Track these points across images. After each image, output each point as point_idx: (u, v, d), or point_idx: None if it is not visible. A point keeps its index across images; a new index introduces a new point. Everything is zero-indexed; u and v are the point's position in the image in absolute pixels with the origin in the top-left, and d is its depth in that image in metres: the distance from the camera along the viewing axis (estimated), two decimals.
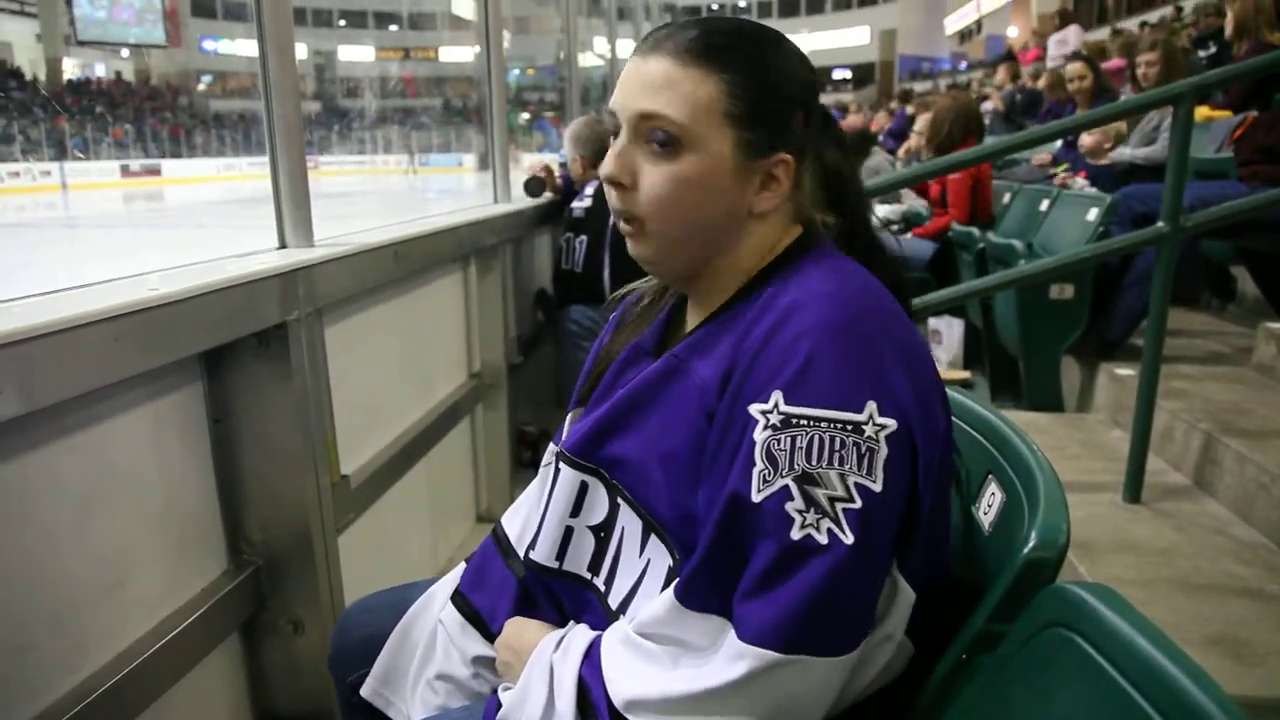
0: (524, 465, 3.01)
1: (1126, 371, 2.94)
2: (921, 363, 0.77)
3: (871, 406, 0.71)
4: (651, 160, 0.81)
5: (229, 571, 1.49)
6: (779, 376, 0.73)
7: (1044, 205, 3.79)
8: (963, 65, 26.73)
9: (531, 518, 0.95)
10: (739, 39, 0.82)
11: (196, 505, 1.43)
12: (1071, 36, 11.20)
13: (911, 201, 4.94)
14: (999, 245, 3.46)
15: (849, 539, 0.69)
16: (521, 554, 0.94)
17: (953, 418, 1.00)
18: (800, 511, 0.70)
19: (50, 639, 1.11)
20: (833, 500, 0.70)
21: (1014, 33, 24.94)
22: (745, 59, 0.81)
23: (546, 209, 3.25)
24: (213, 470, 1.46)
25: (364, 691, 1.00)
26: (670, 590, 0.76)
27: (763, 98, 0.81)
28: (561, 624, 0.90)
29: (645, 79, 0.80)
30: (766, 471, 0.71)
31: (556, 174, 3.38)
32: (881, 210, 5.04)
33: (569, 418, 0.98)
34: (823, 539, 0.69)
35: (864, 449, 0.71)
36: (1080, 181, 4.16)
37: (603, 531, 0.88)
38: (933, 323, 4.20)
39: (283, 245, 1.65)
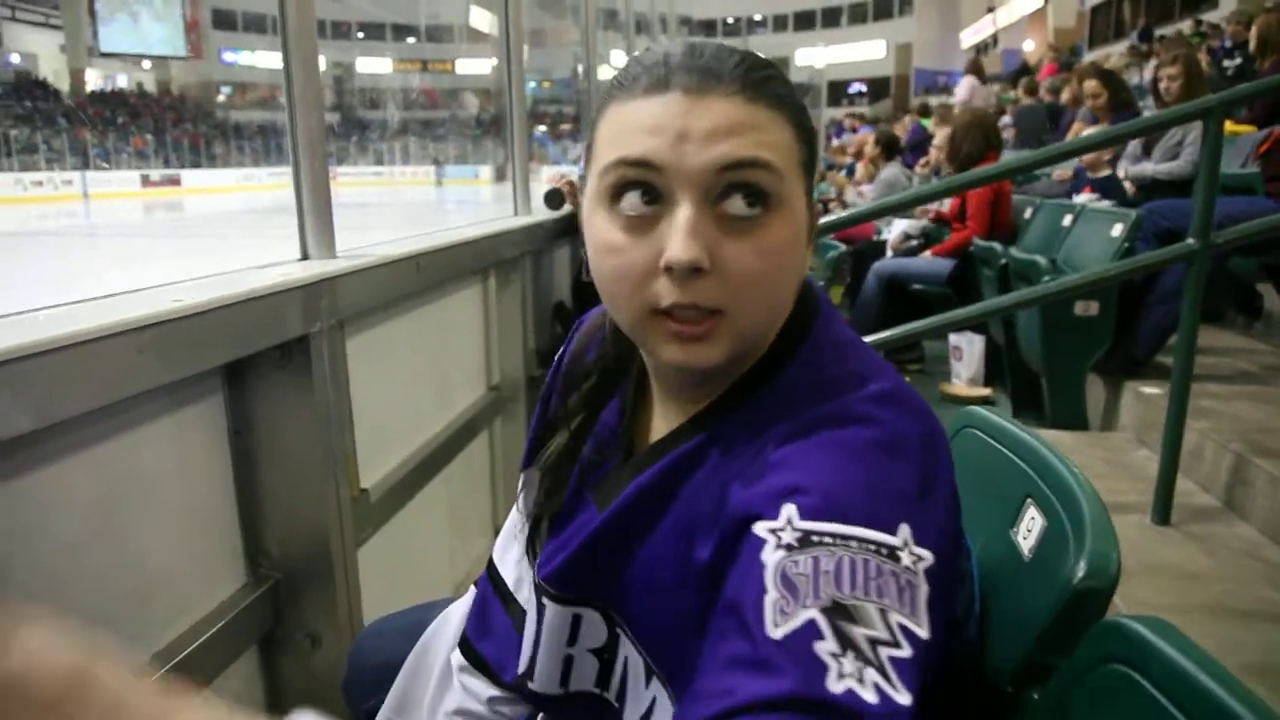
0: None
1: (1153, 390, 2.90)
2: (951, 482, 0.63)
3: (906, 531, 0.55)
4: (734, 232, 0.62)
5: (247, 585, 1.47)
6: (787, 487, 0.58)
7: (1067, 220, 3.76)
8: None
9: (525, 569, 0.87)
10: (775, 70, 0.66)
11: (215, 518, 1.41)
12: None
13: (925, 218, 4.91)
14: (1022, 261, 3.43)
15: (904, 699, 0.48)
16: (522, 598, 0.88)
17: (986, 438, 0.98)
18: (834, 655, 0.49)
19: None
20: (875, 643, 0.50)
21: (1030, 46, 24.90)
22: (792, 93, 0.67)
23: (565, 221, 3.24)
24: (232, 483, 1.44)
25: None
26: None
27: (809, 135, 0.67)
28: None
29: (715, 120, 0.61)
30: (783, 601, 0.52)
31: (578, 187, 3.38)
32: (900, 225, 5.01)
33: (523, 480, 0.86)
34: (869, 696, 0.47)
35: (903, 580, 0.53)
36: (1086, 196, 4.13)
37: (606, 654, 0.76)
38: (953, 339, 4.17)
39: (305, 256, 1.64)
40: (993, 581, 0.88)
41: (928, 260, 4.56)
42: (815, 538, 0.54)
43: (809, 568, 0.53)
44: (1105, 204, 3.83)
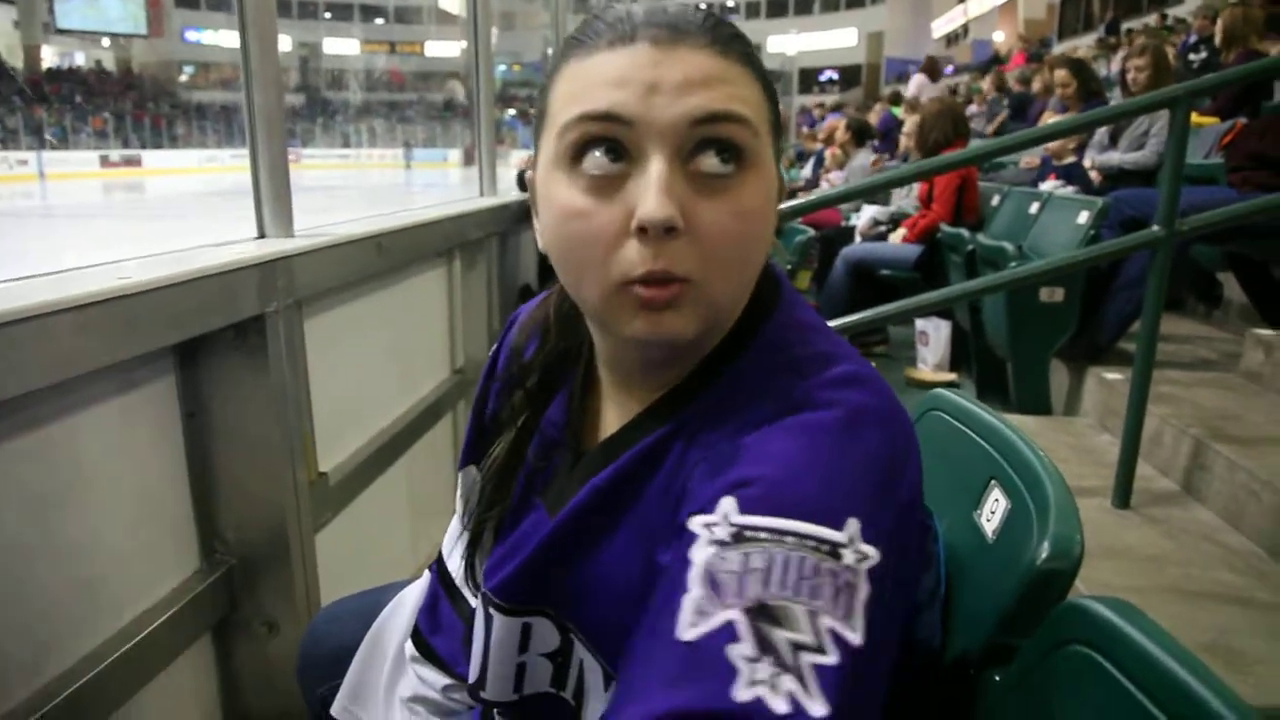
0: None
1: (1115, 375, 2.93)
2: (916, 468, 0.60)
3: (853, 526, 0.51)
4: (707, 190, 0.58)
5: (201, 571, 1.44)
6: (730, 478, 0.54)
7: (1034, 208, 3.79)
8: (949, 69, 26.85)
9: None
10: (739, 29, 0.63)
11: (168, 503, 1.38)
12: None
13: (900, 202, 4.93)
14: (989, 247, 3.45)
15: (819, 710, 0.44)
16: (469, 594, 0.85)
17: (952, 420, 0.97)
18: (749, 660, 0.46)
19: (11, 642, 1.06)
20: (797, 648, 0.47)
21: (1000, 37, 25.09)
22: (756, 54, 0.63)
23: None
24: (185, 467, 1.41)
25: (334, 710, 0.95)
26: None
27: (774, 97, 0.64)
28: None
29: (686, 71, 0.57)
30: (704, 600, 0.49)
31: None
32: (869, 211, 5.02)
33: (461, 479, 0.82)
34: (779, 705, 0.44)
35: (841, 581, 0.49)
36: (1051, 183, 4.17)
37: (559, 657, 0.71)
38: (919, 324, 4.19)
39: (261, 235, 1.60)
40: (956, 564, 0.87)
41: (895, 246, 4.57)
42: (749, 533, 0.51)
43: (737, 565, 0.50)
44: (1070, 191, 3.86)
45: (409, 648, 0.90)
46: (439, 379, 2.55)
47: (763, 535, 0.51)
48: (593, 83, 0.59)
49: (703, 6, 0.66)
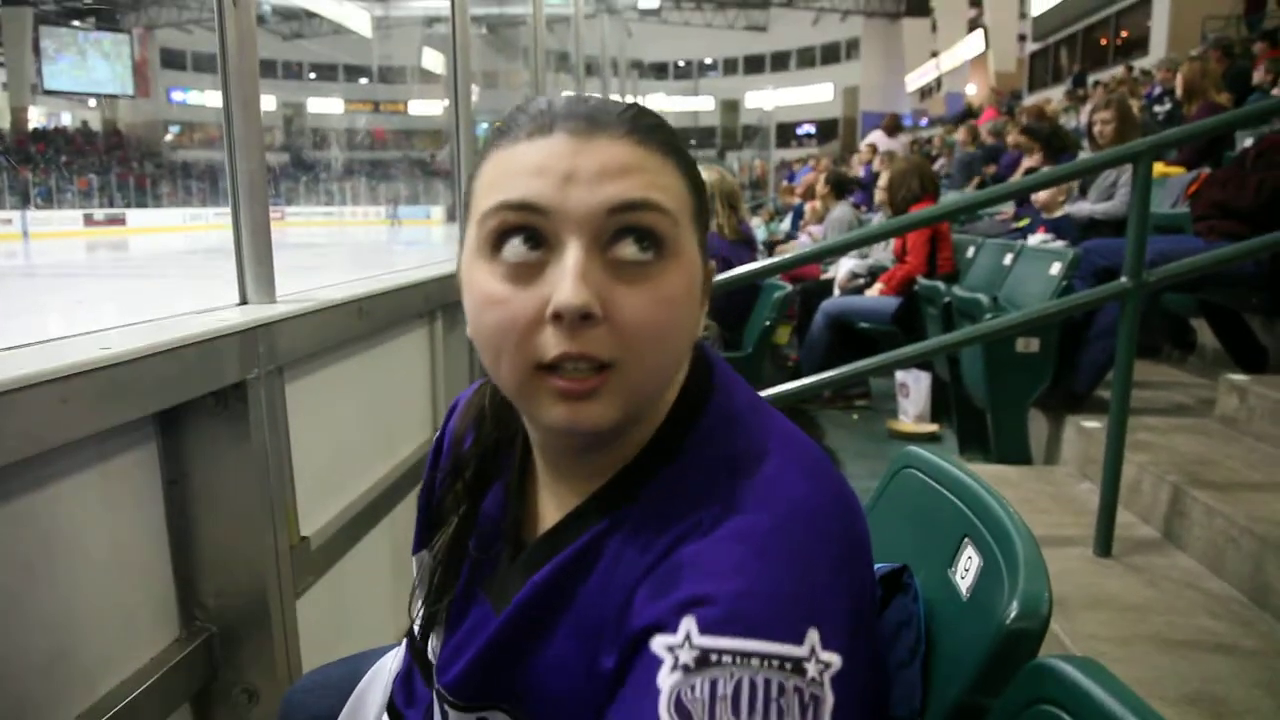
0: None
1: (1093, 424, 2.96)
2: (858, 561, 0.61)
3: (813, 637, 0.53)
4: (625, 278, 0.58)
5: (180, 639, 1.42)
6: (687, 593, 0.54)
7: (1008, 259, 3.85)
8: (924, 121, 27.36)
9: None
10: (662, 120, 0.64)
11: (148, 570, 1.37)
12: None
13: (878, 254, 4.99)
14: (965, 299, 3.50)
15: None
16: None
17: (925, 478, 0.99)
18: None
19: None
20: None
21: (973, 90, 25.63)
22: (680, 144, 0.64)
23: None
24: (166, 534, 1.40)
25: None
26: None
27: (698, 186, 0.65)
28: None
29: (603, 161, 0.58)
30: None
31: None
32: (847, 264, 5.09)
33: (415, 563, 0.82)
34: None
35: (807, 696, 0.51)
36: (1040, 236, 4.24)
37: None
38: (899, 376, 4.22)
39: (244, 301, 1.62)
40: (933, 621, 0.88)
41: (874, 299, 4.63)
42: (714, 656, 0.51)
43: (705, 692, 0.50)
44: (1060, 245, 3.93)
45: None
46: (420, 441, 2.55)
47: (726, 659, 0.51)
48: (512, 172, 0.60)
49: (626, 99, 0.67)
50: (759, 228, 10.72)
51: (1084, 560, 2.30)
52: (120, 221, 29.51)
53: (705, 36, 41.59)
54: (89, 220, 28.25)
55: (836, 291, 5.04)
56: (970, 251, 4.46)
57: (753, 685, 0.50)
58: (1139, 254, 2.22)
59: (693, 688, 0.51)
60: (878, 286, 4.67)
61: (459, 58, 2.93)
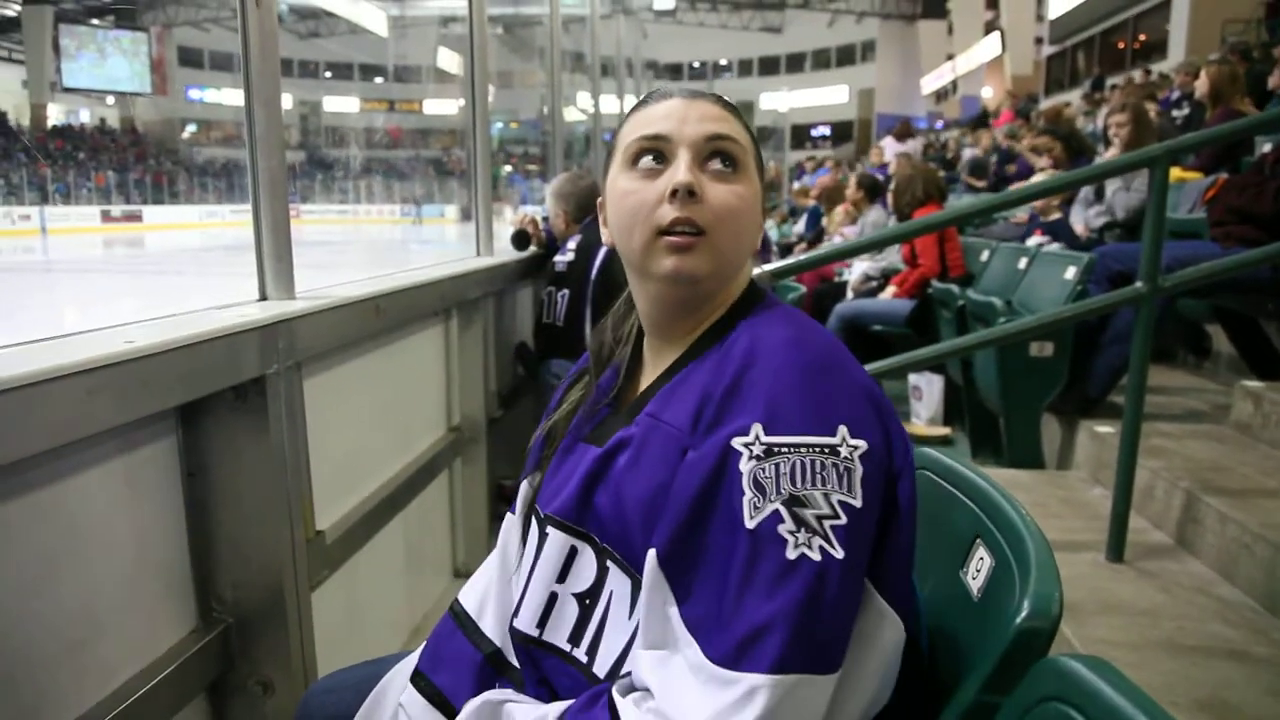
0: (502, 519, 2.96)
1: (1106, 429, 2.95)
2: (877, 394, 0.82)
3: (843, 430, 0.76)
4: (714, 178, 0.87)
5: (198, 630, 1.44)
6: (754, 410, 0.77)
7: (1022, 263, 3.84)
8: (939, 124, 27.26)
9: (494, 595, 0.98)
10: (736, 106, 0.94)
11: (167, 562, 1.39)
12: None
13: (892, 257, 4.99)
14: (979, 303, 3.49)
15: (840, 553, 0.72)
16: (491, 633, 0.95)
17: (938, 479, 1.00)
18: (792, 533, 0.72)
19: (4, 700, 1.06)
20: (820, 519, 0.73)
21: (989, 93, 25.53)
22: (747, 119, 0.93)
23: (529, 262, 3.25)
24: (185, 525, 1.42)
25: None
26: (694, 654, 0.73)
27: (760, 155, 0.94)
28: (539, 698, 0.87)
29: (703, 112, 0.88)
30: (756, 499, 0.74)
31: (541, 227, 3.39)
32: (860, 267, 5.08)
33: (524, 486, 1.00)
34: (815, 555, 0.72)
35: (842, 469, 0.74)
36: (1036, 239, 4.23)
37: (588, 599, 0.87)
38: (913, 379, 4.22)
39: (263, 297, 1.63)
40: (944, 621, 0.89)
41: (887, 302, 4.62)
42: (776, 449, 0.75)
43: (772, 472, 0.74)
44: (1056, 247, 3.92)
45: (408, 695, 0.94)
46: (435, 437, 2.56)
47: (785, 450, 0.75)
48: (648, 118, 0.90)
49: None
50: (771, 229, 10.70)
51: (1096, 565, 2.30)
52: (137, 218, 29.73)
53: (720, 38, 41.51)
54: (106, 217, 28.46)
55: (850, 294, 5.04)
56: (984, 255, 4.45)
57: (803, 465, 0.74)
58: (1154, 259, 2.22)
59: (764, 469, 0.74)
60: (890, 289, 4.67)
61: (476, 58, 2.95)
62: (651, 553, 0.78)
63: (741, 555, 0.73)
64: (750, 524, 0.73)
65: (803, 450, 0.74)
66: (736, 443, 0.76)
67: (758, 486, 0.74)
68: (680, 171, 0.85)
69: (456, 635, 0.98)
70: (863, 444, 0.75)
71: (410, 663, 0.99)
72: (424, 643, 1.01)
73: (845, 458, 0.75)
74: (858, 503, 0.74)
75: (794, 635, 0.69)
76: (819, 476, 0.74)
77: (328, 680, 1.11)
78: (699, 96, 0.90)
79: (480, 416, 2.78)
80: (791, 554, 0.71)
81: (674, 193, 0.85)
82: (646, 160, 0.88)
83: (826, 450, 0.74)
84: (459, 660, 0.95)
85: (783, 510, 0.73)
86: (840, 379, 0.80)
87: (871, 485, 0.75)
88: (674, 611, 0.76)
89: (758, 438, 0.75)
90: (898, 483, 0.78)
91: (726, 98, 0.93)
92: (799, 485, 0.73)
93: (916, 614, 0.84)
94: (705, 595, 0.74)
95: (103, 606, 1.24)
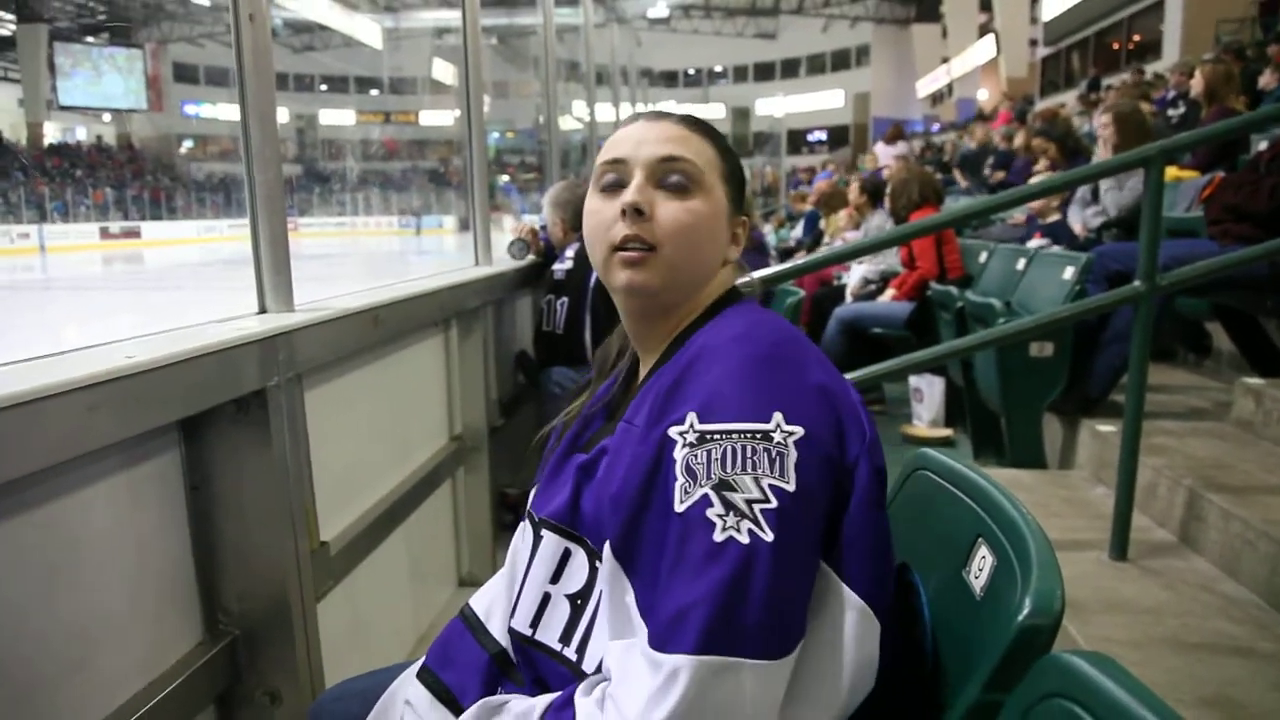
0: (505, 528, 2.96)
1: (1108, 428, 2.95)
2: (831, 387, 0.83)
3: (778, 416, 0.77)
4: (667, 196, 0.91)
5: (204, 643, 1.44)
6: (692, 401, 0.80)
7: (1020, 264, 3.85)
8: (935, 127, 27.31)
9: (500, 600, 1.00)
10: (708, 123, 0.99)
11: (171, 575, 1.39)
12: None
13: (890, 260, 5.00)
14: (978, 304, 3.50)
15: (769, 536, 0.73)
16: (497, 634, 0.97)
17: (939, 479, 1.00)
18: (720, 516, 0.74)
19: (11, 718, 1.07)
20: (750, 503, 0.74)
21: (984, 95, 25.58)
22: (717, 134, 0.98)
23: (527, 271, 3.26)
24: (189, 538, 1.42)
25: None
26: (640, 639, 0.76)
27: (735, 168, 0.98)
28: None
29: (660, 134, 0.93)
30: (687, 484, 0.76)
31: (540, 236, 3.40)
32: (859, 271, 5.09)
33: (536, 489, 1.01)
34: (743, 538, 0.73)
35: (774, 453, 0.76)
36: (1036, 242, 4.24)
37: (580, 599, 0.89)
38: (913, 381, 4.22)
39: (263, 310, 1.64)
40: (947, 621, 0.89)
41: (886, 305, 4.63)
42: (709, 435, 0.77)
43: (704, 458, 0.76)
44: (1056, 249, 3.93)
45: (415, 690, 0.96)
46: (437, 446, 2.57)
47: (717, 436, 0.77)
48: (614, 142, 0.96)
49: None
50: (769, 234, 10.72)
51: (1099, 564, 2.30)
52: (135, 234, 29.73)
53: (715, 44, 41.57)
54: (105, 234, 28.47)
55: (849, 298, 5.05)
56: (983, 256, 4.45)
57: (734, 450, 0.76)
58: (1152, 258, 2.23)
59: (695, 456, 0.77)
60: (889, 292, 4.67)
61: (470, 68, 2.95)
62: (607, 545, 0.81)
63: (672, 539, 0.75)
64: (680, 508, 0.75)
65: (734, 435, 0.76)
66: (673, 432, 0.79)
67: (689, 472, 0.76)
68: (629, 192, 0.90)
69: (466, 636, 1.00)
70: (798, 430, 0.77)
71: (416, 670, 0.99)
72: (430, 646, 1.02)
73: (779, 443, 0.76)
74: (790, 486, 0.75)
75: (716, 616, 0.71)
76: (749, 461, 0.75)
77: (336, 690, 1.13)
78: (662, 118, 0.96)
79: (482, 425, 2.78)
80: (719, 536, 0.73)
81: (624, 211, 0.90)
82: (607, 181, 0.94)
83: (758, 435, 0.76)
84: (468, 660, 0.97)
85: (711, 494, 0.75)
86: (783, 369, 0.82)
87: (809, 470, 0.76)
88: (630, 600, 0.78)
89: (692, 426, 0.78)
90: (854, 471, 0.80)
91: (695, 116, 0.98)
92: (728, 470, 0.75)
93: (893, 603, 0.84)
94: (649, 581, 0.76)
95: (108, 621, 1.24)
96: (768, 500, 0.74)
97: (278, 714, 1.50)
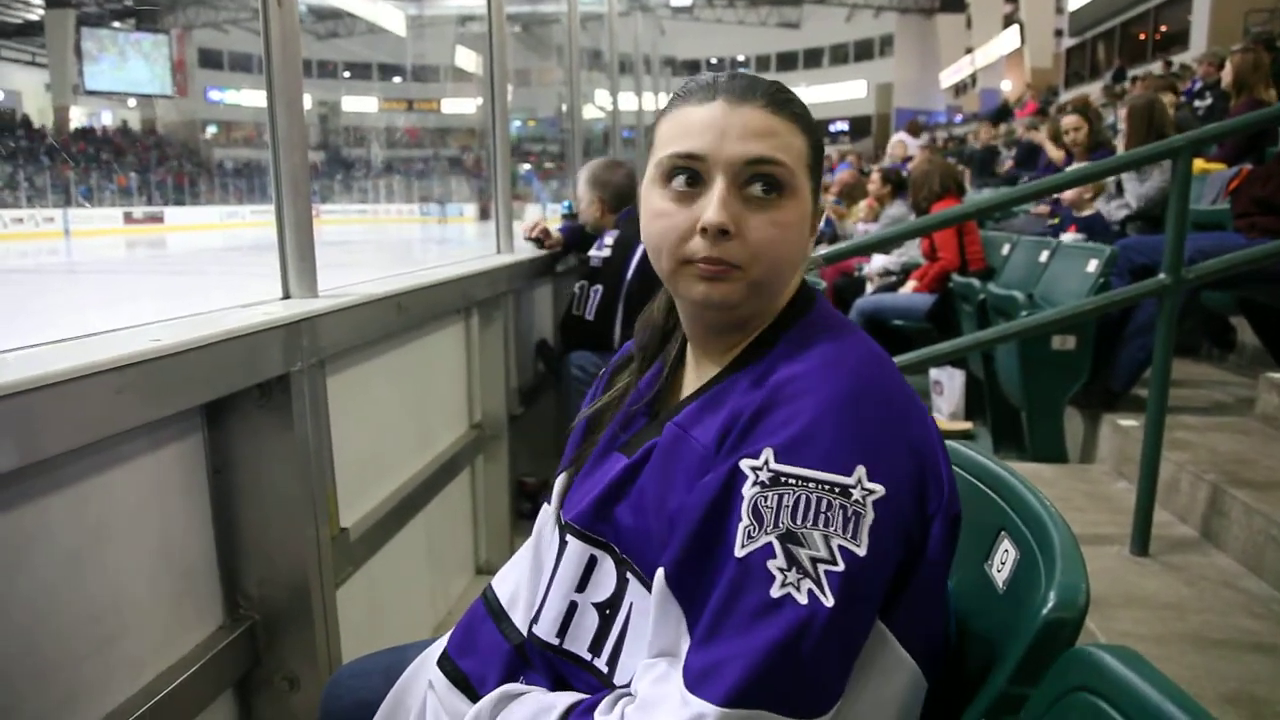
0: (524, 516, 2.98)
1: (1130, 422, 2.93)
2: (922, 432, 0.77)
3: (861, 471, 0.71)
4: (754, 207, 0.80)
5: (225, 626, 1.46)
6: (774, 436, 0.73)
7: (1043, 256, 3.81)
8: (958, 118, 27.07)
9: (525, 587, 0.96)
10: (795, 95, 0.86)
11: (194, 558, 1.41)
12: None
13: (911, 251, 4.96)
14: (1000, 296, 3.47)
15: (828, 601, 0.68)
16: (520, 624, 0.93)
17: (962, 472, 0.99)
18: (781, 570, 0.69)
19: (36, 697, 1.08)
20: (815, 561, 0.69)
21: (1008, 86, 25.33)
22: (807, 113, 0.85)
23: (548, 259, 3.26)
24: (211, 522, 1.44)
25: None
26: (678, 669, 0.72)
27: (819, 155, 0.86)
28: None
29: (746, 126, 0.80)
30: (751, 527, 0.71)
31: (553, 231, 3.36)
32: (880, 260, 5.06)
33: (560, 480, 0.97)
34: (802, 599, 0.68)
35: (850, 512, 0.70)
36: (1071, 235, 4.19)
37: (608, 609, 0.85)
38: (934, 373, 4.20)
39: (287, 295, 1.65)
40: (969, 614, 0.88)
41: (908, 296, 4.60)
42: (783, 479, 0.71)
43: (774, 503, 0.71)
44: (1074, 238, 3.89)
45: (436, 674, 0.94)
46: (457, 434, 2.58)
47: (791, 481, 0.71)
48: (684, 127, 0.82)
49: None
50: None
51: (1120, 559, 2.28)
52: (159, 219, 29.93)
53: (738, 34, 41.35)
54: (128, 218, 28.68)
55: (869, 288, 5.02)
56: (1005, 249, 4.42)
57: (808, 501, 0.70)
58: (1178, 250, 2.20)
59: (765, 498, 0.71)
60: (910, 284, 4.64)
61: (495, 56, 2.95)
62: (660, 572, 0.76)
63: (726, 583, 0.70)
64: (740, 553, 0.70)
65: (810, 485, 0.70)
66: (744, 465, 0.73)
67: (756, 514, 0.71)
68: (712, 209, 0.78)
69: (487, 623, 0.97)
70: (879, 489, 0.71)
71: (434, 652, 0.99)
72: (454, 626, 1.00)
73: (856, 500, 0.70)
74: (861, 551, 0.69)
75: (754, 674, 0.67)
76: (822, 516, 0.70)
77: (354, 665, 1.12)
78: (746, 100, 0.81)
79: (502, 414, 2.79)
80: (776, 592, 0.68)
81: (704, 229, 0.79)
82: (679, 181, 0.81)
83: (836, 489, 0.70)
84: (489, 648, 0.94)
85: (776, 544, 0.70)
86: (876, 416, 0.75)
87: (883, 535, 0.70)
88: (679, 622, 0.74)
89: (767, 463, 0.72)
90: (928, 530, 0.74)
91: (782, 91, 0.84)
92: (798, 522, 0.70)
93: (947, 642, 0.82)
94: (696, 616, 0.72)
95: (130, 603, 1.25)
96: (835, 563, 0.69)
97: (296, 699, 1.51)
